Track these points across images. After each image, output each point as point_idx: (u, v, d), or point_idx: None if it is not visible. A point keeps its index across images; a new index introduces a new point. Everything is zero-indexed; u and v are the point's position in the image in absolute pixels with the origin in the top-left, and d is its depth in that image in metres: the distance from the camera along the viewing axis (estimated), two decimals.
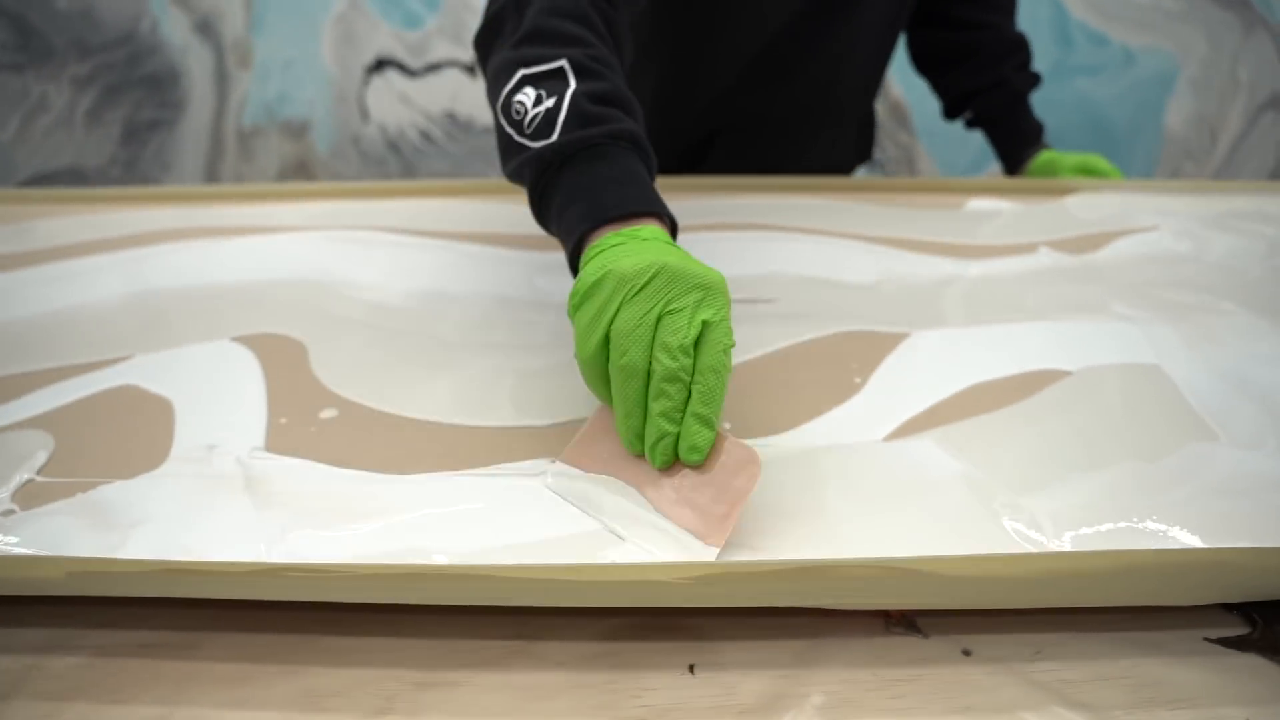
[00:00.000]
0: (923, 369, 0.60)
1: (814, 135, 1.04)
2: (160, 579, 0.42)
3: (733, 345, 0.46)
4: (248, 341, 0.63)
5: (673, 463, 0.46)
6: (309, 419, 0.55)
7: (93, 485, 0.49)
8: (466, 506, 0.48)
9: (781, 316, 0.67)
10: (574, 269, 0.53)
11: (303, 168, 1.96)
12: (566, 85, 0.56)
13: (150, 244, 0.78)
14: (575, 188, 0.53)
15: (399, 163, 1.95)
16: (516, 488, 0.50)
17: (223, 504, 0.48)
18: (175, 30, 1.85)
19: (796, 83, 0.98)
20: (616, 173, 0.53)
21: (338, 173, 1.96)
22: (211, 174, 1.96)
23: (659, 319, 0.46)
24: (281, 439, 0.53)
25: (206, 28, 1.86)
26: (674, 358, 0.45)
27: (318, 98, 1.91)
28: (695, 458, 0.45)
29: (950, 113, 1.14)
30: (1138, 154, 1.89)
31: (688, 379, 0.45)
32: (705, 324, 0.46)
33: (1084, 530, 0.47)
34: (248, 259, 0.75)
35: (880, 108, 1.85)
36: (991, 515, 0.48)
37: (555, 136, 0.54)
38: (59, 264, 0.75)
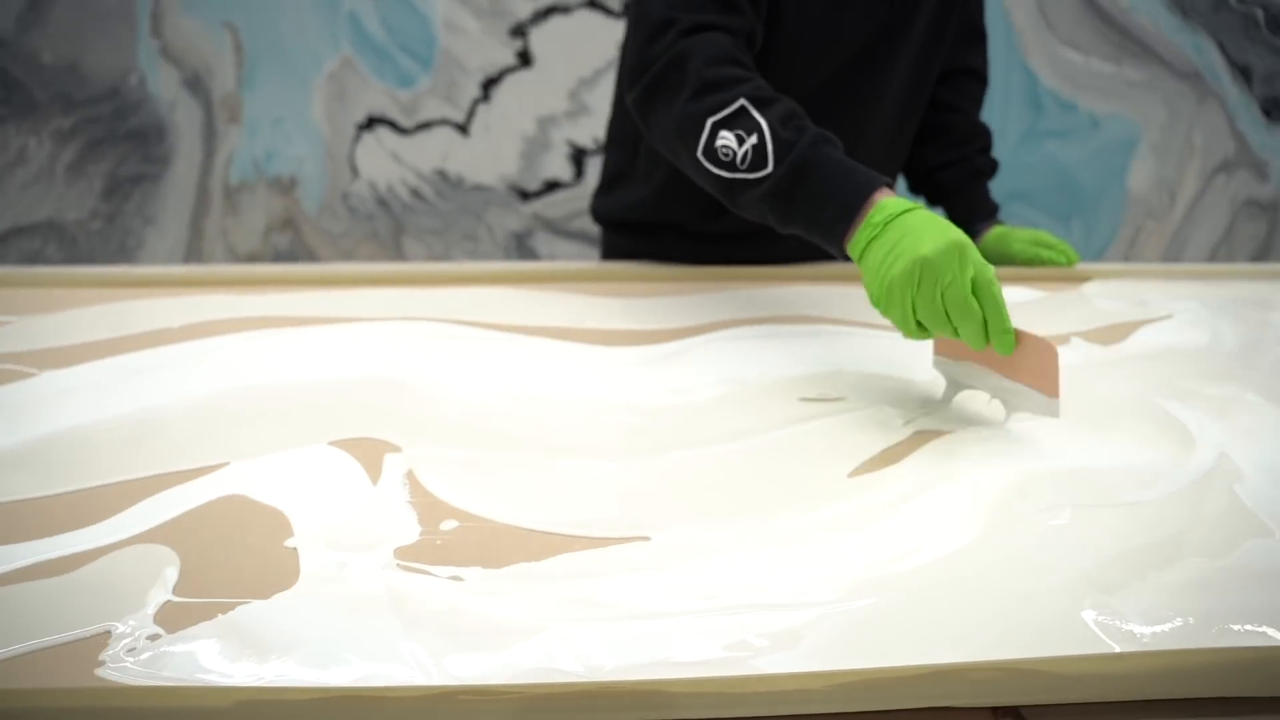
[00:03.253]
0: (987, 471, 0.64)
1: None
2: (333, 707, 0.44)
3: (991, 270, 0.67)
4: (344, 446, 0.65)
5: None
6: (431, 531, 0.57)
7: (231, 606, 0.50)
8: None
9: (848, 415, 0.70)
10: (842, 255, 0.72)
11: (289, 224, 1.96)
12: (756, 120, 0.71)
13: (204, 335, 0.80)
14: (815, 196, 0.70)
15: (387, 219, 1.96)
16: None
17: (370, 626, 0.49)
18: (164, 85, 1.85)
19: None
20: (834, 170, 0.70)
21: (325, 229, 1.97)
22: (196, 229, 1.95)
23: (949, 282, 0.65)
24: (411, 551, 0.55)
25: (196, 83, 1.86)
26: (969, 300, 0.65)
27: (307, 154, 1.92)
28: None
29: (915, 186, 1.23)
30: (1103, 212, 1.98)
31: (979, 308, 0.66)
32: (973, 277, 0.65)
33: (1165, 627, 0.51)
34: (314, 353, 0.77)
35: None
36: (1081, 615, 0.51)
37: (771, 166, 0.71)
38: (117, 359, 0.76)
